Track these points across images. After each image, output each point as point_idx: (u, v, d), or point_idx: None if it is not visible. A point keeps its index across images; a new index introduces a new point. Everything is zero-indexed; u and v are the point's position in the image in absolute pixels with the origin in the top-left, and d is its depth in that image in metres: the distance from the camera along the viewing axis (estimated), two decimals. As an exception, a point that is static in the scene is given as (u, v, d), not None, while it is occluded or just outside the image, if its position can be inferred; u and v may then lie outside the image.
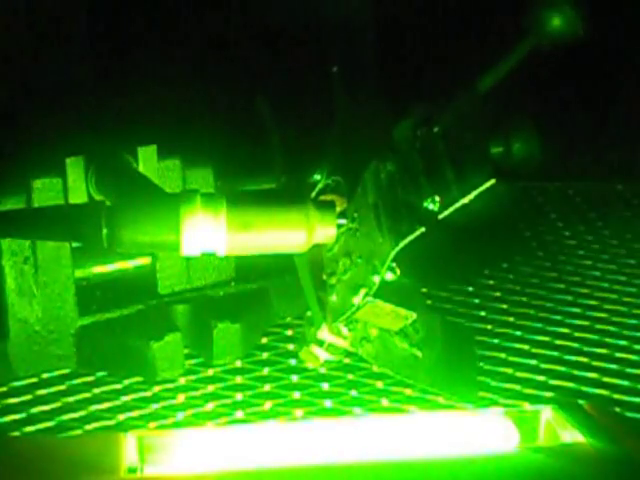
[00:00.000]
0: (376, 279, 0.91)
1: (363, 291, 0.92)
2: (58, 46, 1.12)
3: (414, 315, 0.95)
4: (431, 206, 0.87)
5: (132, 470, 0.79)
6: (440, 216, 0.87)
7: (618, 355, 1.19)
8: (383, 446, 0.85)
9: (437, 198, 0.87)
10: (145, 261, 1.16)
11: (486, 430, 0.86)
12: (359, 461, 0.81)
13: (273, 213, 0.93)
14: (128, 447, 0.81)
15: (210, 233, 0.91)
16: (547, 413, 0.87)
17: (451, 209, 0.86)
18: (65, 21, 1.12)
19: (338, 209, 0.95)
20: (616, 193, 1.70)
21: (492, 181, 0.85)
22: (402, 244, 0.87)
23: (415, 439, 0.86)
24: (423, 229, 0.86)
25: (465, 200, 0.86)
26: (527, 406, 1.06)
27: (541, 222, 1.57)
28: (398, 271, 0.92)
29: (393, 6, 1.30)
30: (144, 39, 1.16)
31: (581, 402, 0.89)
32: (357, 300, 0.93)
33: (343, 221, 0.95)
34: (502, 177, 0.91)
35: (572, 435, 0.83)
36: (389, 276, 0.92)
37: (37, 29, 1.11)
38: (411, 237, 0.87)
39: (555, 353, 1.19)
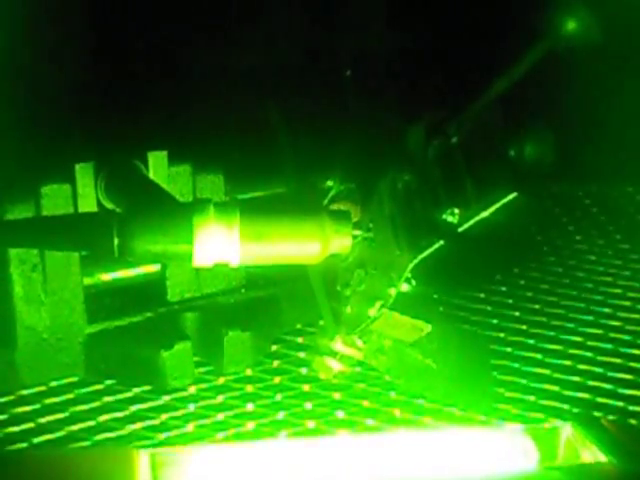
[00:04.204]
0: (392, 292, 0.90)
1: (379, 303, 0.91)
2: (69, 51, 1.10)
3: (429, 327, 0.94)
4: (450, 219, 0.86)
5: (145, 488, 0.78)
6: (460, 229, 0.86)
7: (633, 365, 1.17)
8: (400, 464, 0.83)
9: (456, 210, 0.86)
10: (154, 268, 1.15)
11: (505, 448, 0.85)
12: (376, 480, 0.79)
13: (287, 223, 0.91)
14: (141, 464, 0.80)
15: (223, 243, 0.90)
16: (567, 430, 0.85)
17: (471, 222, 0.85)
18: (76, 25, 1.11)
19: (354, 219, 0.94)
20: (626, 196, 1.69)
21: (514, 194, 0.84)
22: (420, 257, 0.86)
23: (432, 457, 0.84)
24: (442, 242, 0.85)
25: (486, 213, 0.85)
26: (542, 418, 1.05)
27: (552, 226, 1.56)
28: (414, 282, 0.91)
29: (405, 10, 1.28)
30: (155, 44, 1.15)
31: (599, 416, 0.88)
32: (373, 312, 0.92)
33: (358, 232, 0.93)
34: (516, 180, 0.90)
35: (593, 454, 0.82)
36: (404, 287, 0.91)
37: (46, 32, 1.10)
38: (429, 250, 0.86)
39: (569, 362, 1.17)
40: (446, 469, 0.83)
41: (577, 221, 1.57)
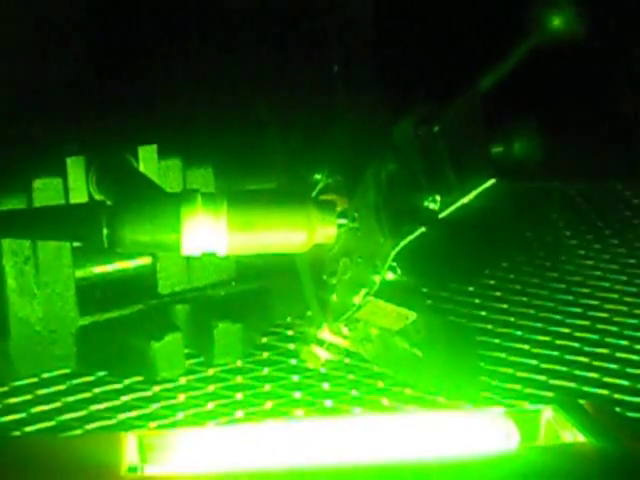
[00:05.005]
0: (377, 279, 0.91)
1: (364, 291, 0.92)
2: (58, 45, 1.12)
3: (415, 315, 0.96)
4: (432, 206, 0.88)
5: (132, 469, 0.79)
6: (440, 215, 0.87)
7: (619, 355, 1.18)
8: (382, 446, 0.85)
9: (437, 197, 0.87)
10: (145, 261, 1.16)
11: (486, 430, 0.86)
12: (358, 462, 0.81)
13: (274, 213, 0.93)
14: (128, 446, 0.81)
15: (211, 233, 0.91)
16: (548, 413, 0.86)
17: (451, 208, 0.87)
18: (65, 20, 1.12)
19: (339, 209, 0.95)
20: (616, 193, 1.70)
21: (492, 181, 0.85)
22: (402, 244, 0.88)
23: (414, 439, 0.86)
24: (424, 229, 0.87)
25: (465, 200, 0.86)
26: (527, 406, 1.06)
27: (542, 222, 1.57)
28: (399, 271, 0.92)
29: (393, 4, 1.30)
30: (145, 38, 1.16)
31: (581, 402, 0.89)
32: (358, 300, 0.93)
33: (344, 221, 0.95)
34: (503, 177, 0.91)
35: (573, 435, 0.83)
36: (390, 276, 0.92)
37: (37, 28, 1.11)
38: (411, 237, 0.87)
39: (556, 353, 1.19)
40: (428, 450, 0.84)
41: (567, 217, 1.58)
